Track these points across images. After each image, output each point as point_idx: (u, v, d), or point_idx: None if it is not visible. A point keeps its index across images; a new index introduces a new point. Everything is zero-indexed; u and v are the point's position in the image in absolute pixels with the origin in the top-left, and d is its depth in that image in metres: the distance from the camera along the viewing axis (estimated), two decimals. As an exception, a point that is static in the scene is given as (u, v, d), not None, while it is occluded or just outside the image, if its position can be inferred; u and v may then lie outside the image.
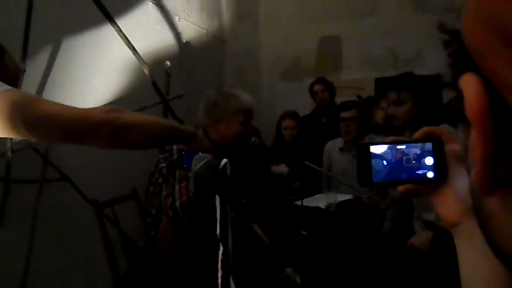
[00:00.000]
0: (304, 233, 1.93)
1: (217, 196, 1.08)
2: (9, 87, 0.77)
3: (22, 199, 1.96)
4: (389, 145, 0.54)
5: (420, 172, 0.53)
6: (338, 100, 3.85)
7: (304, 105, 3.74)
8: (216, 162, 1.05)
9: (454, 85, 0.27)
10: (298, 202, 2.06)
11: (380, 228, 2.32)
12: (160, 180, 1.71)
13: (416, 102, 1.90)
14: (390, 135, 2.23)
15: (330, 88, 3.45)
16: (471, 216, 0.46)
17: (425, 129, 0.54)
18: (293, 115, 3.21)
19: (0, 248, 1.87)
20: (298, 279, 1.86)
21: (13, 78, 1.10)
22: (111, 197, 2.14)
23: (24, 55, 1.89)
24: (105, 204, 2.07)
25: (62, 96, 2.18)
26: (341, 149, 2.70)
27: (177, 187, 1.57)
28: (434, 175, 0.53)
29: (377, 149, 0.54)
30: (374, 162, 0.53)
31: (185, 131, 1.09)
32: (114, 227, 2.08)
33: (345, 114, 2.62)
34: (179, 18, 3.36)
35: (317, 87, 3.41)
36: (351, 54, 4.62)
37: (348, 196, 2.31)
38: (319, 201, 2.28)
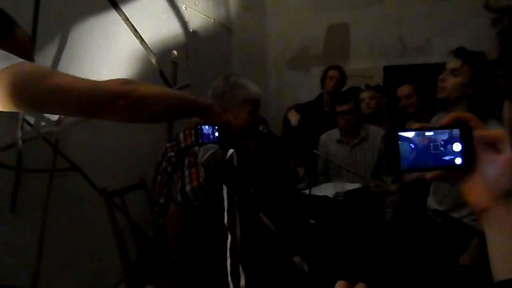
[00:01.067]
0: (312, 221, 1.93)
1: (224, 185, 1.09)
2: (21, 59, 0.75)
3: (33, 188, 1.99)
4: (417, 132, 0.54)
5: (448, 158, 0.53)
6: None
7: (312, 94, 3.72)
8: (222, 152, 1.05)
9: (504, 63, 0.26)
10: (306, 191, 2.06)
11: (381, 216, 2.32)
12: (169, 169, 1.71)
13: (472, 80, 1.73)
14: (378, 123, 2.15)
15: (343, 78, 3.45)
16: (500, 201, 0.49)
17: (453, 115, 0.54)
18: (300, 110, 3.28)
19: (13, 236, 1.90)
20: (306, 268, 1.87)
21: (26, 52, 1.09)
22: (121, 186, 2.16)
23: (33, 46, 1.90)
24: (115, 193, 2.09)
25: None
26: (338, 141, 2.68)
27: (187, 172, 1.57)
28: (462, 161, 0.53)
29: (405, 135, 0.54)
30: (402, 149, 0.53)
31: (202, 103, 1.08)
32: (123, 215, 2.11)
33: (343, 107, 2.58)
34: (185, 7, 3.35)
35: (334, 72, 3.40)
36: (359, 43, 4.57)
37: (356, 185, 2.31)
38: (327, 190, 2.28)
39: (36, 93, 0.74)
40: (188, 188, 1.53)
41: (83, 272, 2.27)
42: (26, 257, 1.91)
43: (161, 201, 1.78)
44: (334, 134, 2.73)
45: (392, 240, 1.93)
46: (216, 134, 1.13)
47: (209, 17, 3.77)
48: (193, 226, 1.67)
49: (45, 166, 2.03)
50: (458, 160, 0.53)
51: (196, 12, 3.52)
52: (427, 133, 0.53)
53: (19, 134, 1.87)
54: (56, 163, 2.06)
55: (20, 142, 1.88)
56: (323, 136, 2.80)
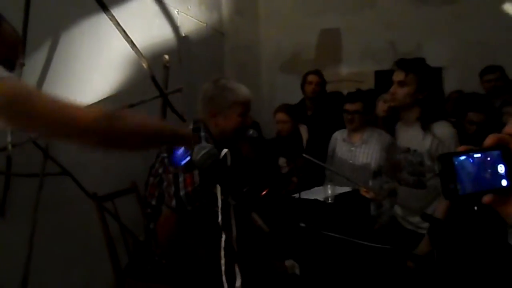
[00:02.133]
0: (303, 225, 1.94)
1: (218, 185, 1.09)
2: (3, 75, 0.74)
3: (23, 193, 1.97)
4: (468, 155, 0.53)
5: (495, 180, 0.53)
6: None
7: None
8: (216, 152, 1.06)
9: None
10: (297, 195, 2.07)
11: (375, 221, 2.34)
12: (160, 170, 1.71)
13: (419, 87, 1.90)
14: (392, 127, 2.23)
15: (322, 83, 3.46)
16: None
17: (493, 137, 0.53)
18: (287, 109, 3.17)
19: (2, 241, 1.89)
20: (297, 271, 1.87)
21: (13, 48, 1.07)
22: (112, 190, 2.15)
23: (23, 50, 1.90)
24: (106, 197, 2.08)
25: (61, 91, 2.19)
26: (344, 140, 2.72)
27: (181, 178, 1.56)
28: (507, 183, 0.52)
29: (459, 159, 0.53)
30: (458, 173, 0.52)
31: (179, 134, 1.07)
32: (115, 220, 2.10)
33: (350, 107, 2.61)
34: (177, 12, 3.35)
35: (312, 77, 3.42)
36: (351, 47, 4.61)
37: (346, 189, 2.32)
38: (318, 193, 2.29)
39: (10, 113, 0.74)
40: (182, 193, 1.52)
41: (73, 277, 2.26)
42: (15, 263, 1.89)
43: (154, 203, 1.77)
44: (342, 132, 2.77)
45: (382, 243, 1.94)
46: (187, 159, 1.11)
47: (201, 22, 3.79)
48: (185, 231, 1.66)
49: (35, 171, 2.02)
50: (504, 182, 0.52)
51: (188, 16, 3.53)
52: (476, 155, 0.53)
53: (9, 138, 1.87)
54: (46, 168, 2.05)
55: (9, 147, 1.87)
56: (335, 133, 2.84)
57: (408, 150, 1.99)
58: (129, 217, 2.27)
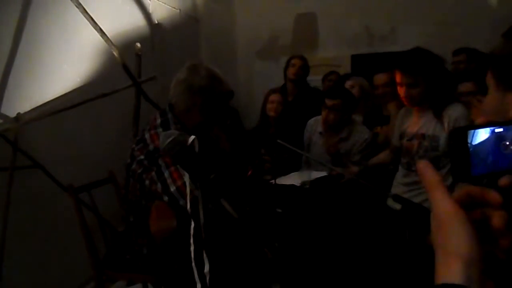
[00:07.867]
0: (279, 210, 1.97)
1: (185, 172, 1.09)
2: None
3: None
4: (486, 128, 0.45)
5: None
6: (314, 78, 3.87)
7: (281, 84, 3.74)
8: (183, 138, 1.05)
9: None
10: (273, 181, 2.09)
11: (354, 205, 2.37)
12: (139, 170, 1.67)
13: (429, 85, 1.96)
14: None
15: (305, 66, 3.47)
16: None
17: None
18: (280, 91, 3.21)
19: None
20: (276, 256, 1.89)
21: None
22: (88, 181, 2.12)
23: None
24: (81, 188, 2.05)
25: (29, 82, 2.13)
26: (320, 133, 2.67)
27: (166, 173, 1.53)
28: None
29: (475, 134, 0.44)
30: (472, 150, 0.44)
31: None
32: (91, 211, 2.07)
33: (329, 102, 2.51)
34: (149, -2, 3.28)
35: (296, 60, 3.42)
36: (327, 32, 4.63)
37: (322, 173, 2.35)
38: (294, 179, 2.31)
39: None
40: (173, 189, 1.50)
41: (50, 271, 2.24)
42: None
43: (134, 199, 1.75)
44: (319, 122, 2.67)
45: (356, 226, 1.99)
46: None
47: (174, 8, 3.72)
48: (182, 225, 1.61)
49: (4, 165, 1.97)
50: None
51: (160, 2, 3.46)
52: (497, 130, 0.45)
53: (-25, 132, 1.81)
54: (16, 161, 2.00)
55: (-24, 141, 1.82)
56: (311, 121, 2.76)
57: (422, 135, 2.03)
58: (106, 207, 2.25)
